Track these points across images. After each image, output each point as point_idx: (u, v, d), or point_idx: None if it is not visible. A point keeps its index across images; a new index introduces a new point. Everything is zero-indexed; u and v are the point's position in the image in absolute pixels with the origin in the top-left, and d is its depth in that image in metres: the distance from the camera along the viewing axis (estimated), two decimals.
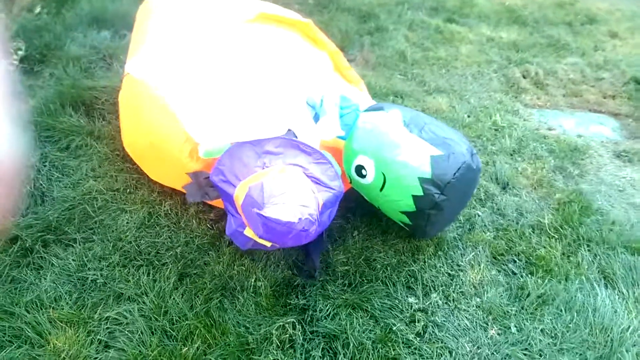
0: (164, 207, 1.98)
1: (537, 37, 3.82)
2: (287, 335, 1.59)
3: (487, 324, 1.69)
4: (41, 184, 2.00)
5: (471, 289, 1.80)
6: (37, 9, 3.29)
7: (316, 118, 1.85)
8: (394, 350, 1.58)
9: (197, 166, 1.75)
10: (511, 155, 2.50)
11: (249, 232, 1.52)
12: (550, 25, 4.04)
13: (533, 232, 2.06)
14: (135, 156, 2.05)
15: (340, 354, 1.56)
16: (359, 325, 1.64)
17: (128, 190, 2.05)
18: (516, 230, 2.05)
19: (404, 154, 1.72)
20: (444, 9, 4.12)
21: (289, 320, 1.63)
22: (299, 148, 1.63)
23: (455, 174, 1.68)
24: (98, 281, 1.69)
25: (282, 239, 1.44)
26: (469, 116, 2.77)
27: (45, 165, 2.08)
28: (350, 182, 1.91)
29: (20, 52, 2.72)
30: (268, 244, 1.53)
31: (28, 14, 3.21)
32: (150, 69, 1.92)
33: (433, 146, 1.72)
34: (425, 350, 1.60)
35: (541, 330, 1.68)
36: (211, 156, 1.70)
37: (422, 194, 1.69)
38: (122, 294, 1.66)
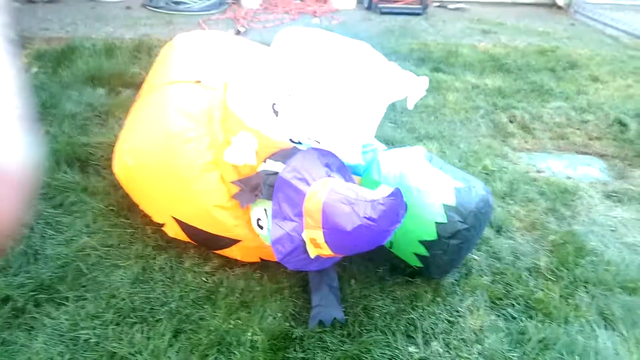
0: (158, 261, 1.97)
1: (521, 83, 3.95)
2: None
3: None
4: (34, 242, 1.99)
5: (472, 335, 1.78)
6: (34, 69, 3.37)
7: None
8: None
9: (210, 176, 1.79)
10: (503, 198, 2.53)
11: (307, 234, 1.53)
12: (533, 72, 4.18)
13: (530, 275, 2.06)
14: (132, 165, 1.95)
15: None
16: None
17: (122, 245, 2.04)
18: (513, 273, 2.05)
19: (429, 184, 1.80)
20: (430, 59, 4.27)
21: None
22: (344, 174, 1.71)
23: (477, 204, 1.76)
24: (91, 341, 1.65)
25: (378, 229, 1.43)
26: (459, 161, 2.81)
27: (38, 223, 2.08)
28: None
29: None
30: (313, 255, 1.55)
31: (24, 74, 3.29)
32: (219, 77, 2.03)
33: (455, 179, 1.82)
34: None
35: None
36: (234, 162, 1.75)
37: (445, 221, 1.73)
38: (116, 353, 1.62)
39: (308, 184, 1.56)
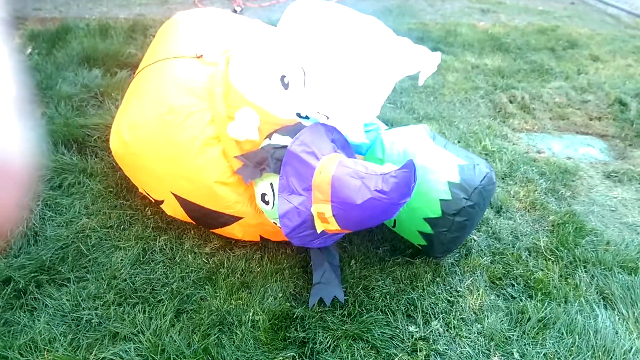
0: (159, 242, 1.97)
1: (521, 63, 3.92)
2: None
3: (490, 351, 1.67)
4: (34, 224, 1.98)
5: (471, 315, 1.79)
6: (29, 50, 3.32)
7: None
8: None
9: (211, 151, 1.79)
10: (503, 179, 2.53)
11: (315, 209, 1.53)
12: (533, 51, 4.15)
13: (529, 255, 2.06)
14: (130, 140, 1.92)
15: None
16: (360, 357, 1.61)
17: (122, 226, 2.03)
18: (512, 253, 2.06)
19: (433, 161, 1.80)
20: (429, 38, 4.22)
21: (288, 355, 1.60)
22: (347, 152, 1.72)
23: (481, 181, 1.77)
24: (93, 321, 1.66)
25: (389, 202, 1.44)
26: (459, 142, 2.80)
27: (38, 205, 2.07)
28: None
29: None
30: (320, 229, 1.56)
31: (19, 55, 3.24)
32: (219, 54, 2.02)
33: (458, 157, 1.82)
34: None
35: (544, 355, 1.66)
36: (237, 137, 1.75)
37: (450, 197, 1.74)
38: (118, 333, 1.63)
39: (317, 158, 1.56)
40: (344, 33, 1.60)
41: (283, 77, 1.71)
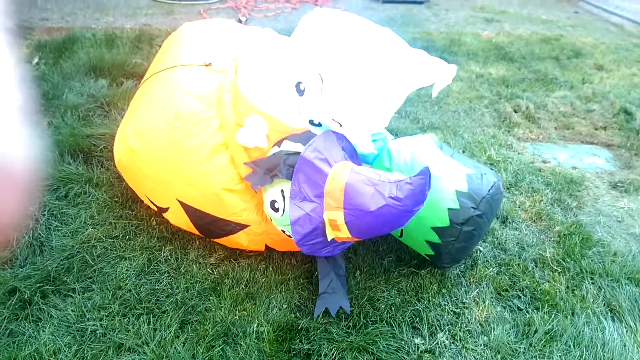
0: (164, 252, 1.97)
1: (526, 72, 3.92)
2: None
3: None
4: (40, 234, 1.98)
5: (477, 327, 1.78)
6: (35, 60, 3.35)
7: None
8: None
9: (219, 157, 1.79)
10: (508, 189, 2.52)
11: (327, 216, 1.53)
12: (537, 61, 4.15)
13: (536, 266, 2.05)
14: (137, 147, 1.92)
15: None
16: None
17: (127, 236, 2.03)
18: (519, 264, 2.04)
19: (441, 170, 1.80)
20: (433, 47, 4.24)
21: None
22: (355, 161, 1.73)
23: (489, 190, 1.77)
24: (98, 332, 1.65)
25: (403, 209, 1.44)
26: (463, 151, 2.80)
27: (44, 215, 2.07)
28: None
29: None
30: (330, 237, 1.56)
31: (25, 65, 3.26)
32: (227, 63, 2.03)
33: (466, 167, 1.83)
34: None
35: None
36: (246, 144, 1.75)
37: (458, 207, 1.74)
38: (122, 344, 1.62)
39: (330, 165, 1.57)
40: (360, 43, 1.62)
41: (299, 83, 1.72)
